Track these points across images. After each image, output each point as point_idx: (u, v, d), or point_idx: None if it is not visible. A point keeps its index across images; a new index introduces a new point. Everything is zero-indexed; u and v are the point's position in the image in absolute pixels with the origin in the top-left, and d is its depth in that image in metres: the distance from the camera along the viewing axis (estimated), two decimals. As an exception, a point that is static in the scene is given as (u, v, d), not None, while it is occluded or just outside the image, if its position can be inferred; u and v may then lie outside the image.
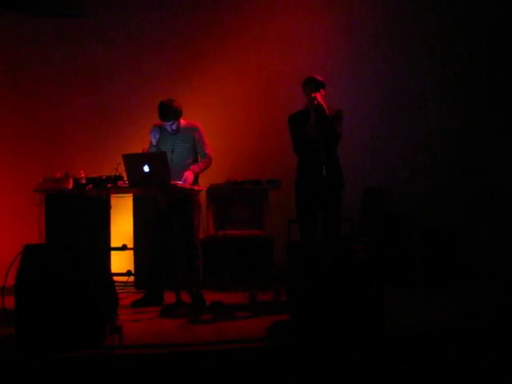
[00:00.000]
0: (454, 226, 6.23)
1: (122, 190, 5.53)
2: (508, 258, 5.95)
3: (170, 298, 5.18)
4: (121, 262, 6.06)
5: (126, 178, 5.43)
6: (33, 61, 6.85)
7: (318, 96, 5.16)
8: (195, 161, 5.64)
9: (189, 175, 5.37)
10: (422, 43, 6.69)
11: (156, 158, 5.34)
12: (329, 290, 3.85)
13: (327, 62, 6.62)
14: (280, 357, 3.56)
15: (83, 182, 5.49)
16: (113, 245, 5.79)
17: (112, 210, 5.67)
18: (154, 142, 5.55)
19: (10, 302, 3.95)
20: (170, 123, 5.48)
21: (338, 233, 5.20)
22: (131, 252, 5.89)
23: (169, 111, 5.43)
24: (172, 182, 5.19)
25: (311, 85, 5.27)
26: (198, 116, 5.92)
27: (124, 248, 5.92)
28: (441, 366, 3.51)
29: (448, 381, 3.43)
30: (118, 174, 5.48)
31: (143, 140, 5.73)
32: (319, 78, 5.34)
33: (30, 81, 6.85)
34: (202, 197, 5.85)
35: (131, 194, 5.68)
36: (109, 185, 5.34)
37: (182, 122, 5.65)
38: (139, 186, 5.34)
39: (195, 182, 5.57)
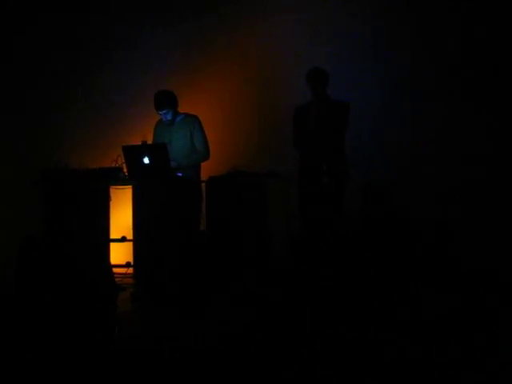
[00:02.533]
0: (453, 222, 6.20)
1: (122, 182, 5.54)
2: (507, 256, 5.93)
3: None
4: (120, 254, 6.05)
5: (125, 170, 5.43)
6: (30, 51, 6.83)
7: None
8: (194, 153, 5.65)
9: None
10: (423, 39, 6.64)
11: (156, 149, 5.35)
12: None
13: (329, 55, 6.58)
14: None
15: (83, 173, 5.49)
16: (112, 236, 5.79)
17: (111, 202, 5.66)
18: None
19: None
20: (163, 112, 5.49)
21: (331, 227, 5.21)
22: (130, 244, 5.88)
23: (162, 99, 5.47)
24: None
25: (315, 77, 5.25)
26: (195, 109, 5.91)
27: (123, 240, 5.92)
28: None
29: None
30: (117, 165, 5.49)
31: (143, 132, 5.72)
32: (323, 70, 5.31)
33: (28, 72, 6.82)
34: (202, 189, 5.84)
35: (130, 186, 5.69)
36: (108, 176, 5.35)
37: (180, 114, 5.65)
38: (139, 178, 5.34)
39: (197, 173, 5.58)
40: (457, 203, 6.38)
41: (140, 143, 5.52)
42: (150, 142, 5.68)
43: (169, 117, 5.53)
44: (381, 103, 6.63)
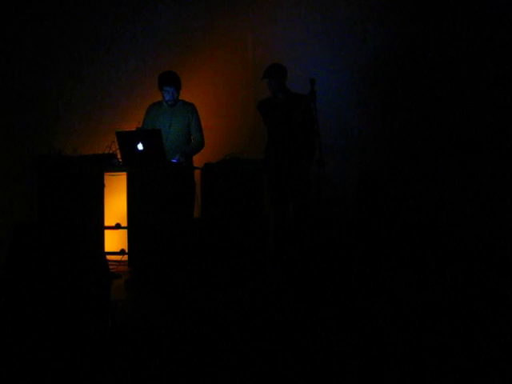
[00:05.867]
0: (444, 213, 6.21)
1: (116, 169, 5.50)
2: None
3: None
4: (114, 241, 6.03)
5: (119, 156, 5.39)
6: (24, 36, 6.76)
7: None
8: (190, 139, 5.63)
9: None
10: (419, 33, 6.59)
11: (150, 135, 5.30)
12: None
13: (323, 42, 6.54)
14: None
15: (76, 160, 5.45)
16: (106, 224, 5.76)
17: (105, 189, 5.63)
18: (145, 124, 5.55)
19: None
20: (170, 89, 5.47)
21: (307, 214, 5.27)
22: (125, 231, 5.86)
23: (171, 76, 5.48)
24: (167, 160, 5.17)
25: (268, 74, 5.34)
26: (190, 96, 5.88)
27: (118, 227, 5.89)
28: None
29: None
30: (111, 151, 5.44)
31: (138, 118, 5.69)
32: (275, 66, 5.37)
33: (22, 59, 6.76)
34: (197, 176, 5.81)
35: (125, 173, 5.65)
36: (102, 163, 5.32)
37: (180, 99, 5.64)
38: (133, 164, 5.30)
39: (189, 160, 5.54)
40: (449, 192, 6.39)
41: (134, 129, 5.48)
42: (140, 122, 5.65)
43: (173, 96, 5.51)
44: (375, 98, 6.62)
